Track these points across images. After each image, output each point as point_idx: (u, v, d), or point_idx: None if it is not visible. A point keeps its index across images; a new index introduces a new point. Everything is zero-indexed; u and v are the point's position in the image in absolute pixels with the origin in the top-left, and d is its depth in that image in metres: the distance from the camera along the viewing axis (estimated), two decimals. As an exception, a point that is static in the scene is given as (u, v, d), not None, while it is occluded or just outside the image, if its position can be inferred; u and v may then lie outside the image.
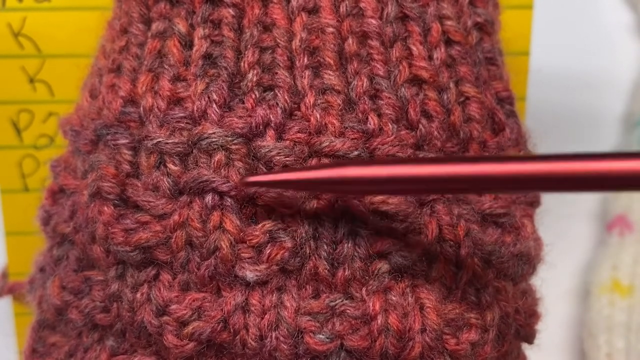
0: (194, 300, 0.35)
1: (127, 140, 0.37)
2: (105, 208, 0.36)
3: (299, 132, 0.35)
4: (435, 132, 0.37)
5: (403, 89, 0.37)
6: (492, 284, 0.37)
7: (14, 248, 0.52)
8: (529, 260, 0.39)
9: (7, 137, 0.51)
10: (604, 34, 0.58)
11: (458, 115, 0.37)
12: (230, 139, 0.35)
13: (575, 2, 0.57)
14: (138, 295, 0.35)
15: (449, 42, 0.38)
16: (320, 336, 0.34)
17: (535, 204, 0.41)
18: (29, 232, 0.50)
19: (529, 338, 0.40)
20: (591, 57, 0.58)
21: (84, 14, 0.50)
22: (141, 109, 0.37)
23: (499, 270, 0.37)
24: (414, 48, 0.37)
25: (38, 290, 0.40)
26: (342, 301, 0.34)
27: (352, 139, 0.35)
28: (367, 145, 0.35)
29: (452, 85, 0.38)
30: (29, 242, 0.50)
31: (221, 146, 0.35)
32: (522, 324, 0.39)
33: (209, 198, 0.35)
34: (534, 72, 0.52)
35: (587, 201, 0.59)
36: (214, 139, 0.35)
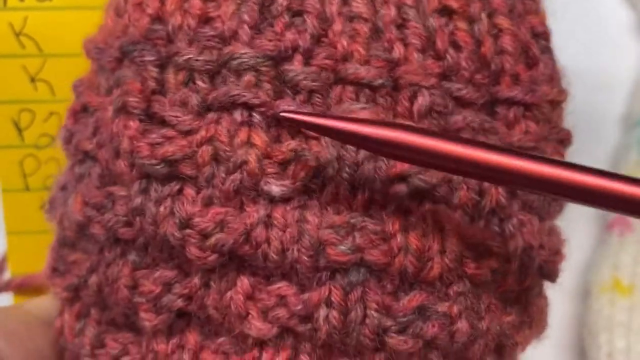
0: (217, 214, 0.35)
1: (153, 57, 0.36)
2: (131, 122, 0.36)
3: (325, 58, 0.35)
4: (464, 63, 0.36)
5: (431, 19, 0.36)
6: (517, 216, 0.37)
7: (15, 248, 0.52)
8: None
9: (8, 137, 0.51)
10: (604, 34, 0.59)
11: (489, 47, 0.37)
12: (260, 60, 0.35)
13: (575, 2, 0.58)
14: (161, 208, 0.35)
15: None
16: (342, 247, 0.34)
17: (565, 142, 0.40)
18: (30, 231, 0.50)
19: (552, 276, 0.39)
20: (591, 57, 0.58)
21: (85, 13, 0.50)
22: (170, 26, 0.37)
23: (524, 202, 0.37)
24: None
25: (59, 209, 0.40)
26: (362, 218, 0.34)
27: (377, 67, 0.35)
28: (391, 74, 0.35)
29: (484, 16, 0.37)
30: (30, 242, 0.50)
31: (252, 67, 0.35)
32: (545, 259, 0.38)
33: (237, 114, 0.35)
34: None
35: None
36: (244, 59, 0.35)
